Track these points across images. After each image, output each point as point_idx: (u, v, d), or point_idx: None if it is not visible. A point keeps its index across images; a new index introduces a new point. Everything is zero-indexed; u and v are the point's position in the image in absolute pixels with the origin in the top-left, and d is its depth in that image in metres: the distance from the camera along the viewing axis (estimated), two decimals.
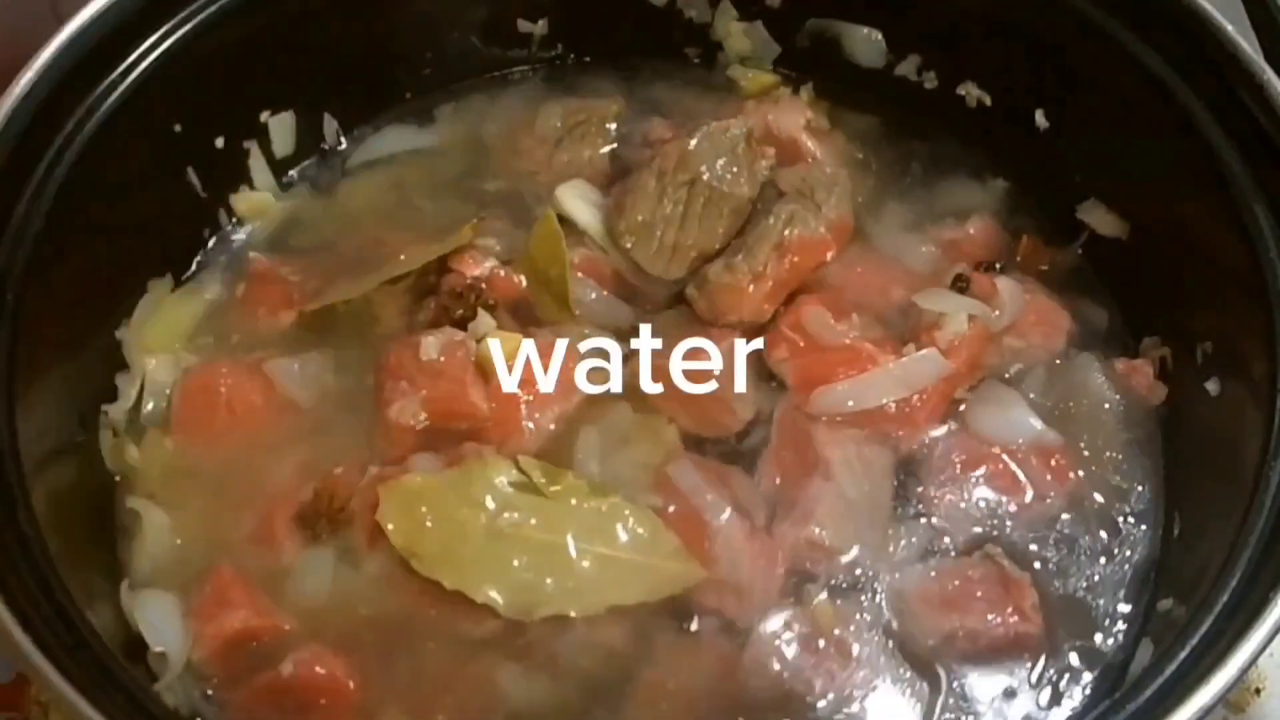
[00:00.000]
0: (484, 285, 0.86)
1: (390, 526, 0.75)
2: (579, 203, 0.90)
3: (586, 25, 1.02)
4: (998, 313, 0.83)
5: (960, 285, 0.85)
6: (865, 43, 0.98)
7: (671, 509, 0.77)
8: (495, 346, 0.81)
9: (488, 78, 1.02)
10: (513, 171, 0.95)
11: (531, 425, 0.80)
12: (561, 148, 0.95)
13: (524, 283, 0.87)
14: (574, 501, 0.76)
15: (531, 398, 0.81)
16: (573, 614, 0.74)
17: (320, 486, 0.78)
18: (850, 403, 0.80)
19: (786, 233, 0.85)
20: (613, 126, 0.96)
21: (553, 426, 0.81)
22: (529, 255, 0.88)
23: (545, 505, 0.76)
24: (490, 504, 0.75)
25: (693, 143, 0.88)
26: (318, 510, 0.77)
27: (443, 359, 0.81)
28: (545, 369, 0.81)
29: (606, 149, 0.96)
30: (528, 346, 0.82)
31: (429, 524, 0.75)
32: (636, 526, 0.76)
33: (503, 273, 0.87)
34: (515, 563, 0.74)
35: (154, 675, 0.71)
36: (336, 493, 0.78)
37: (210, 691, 0.73)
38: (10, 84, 0.73)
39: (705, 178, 0.87)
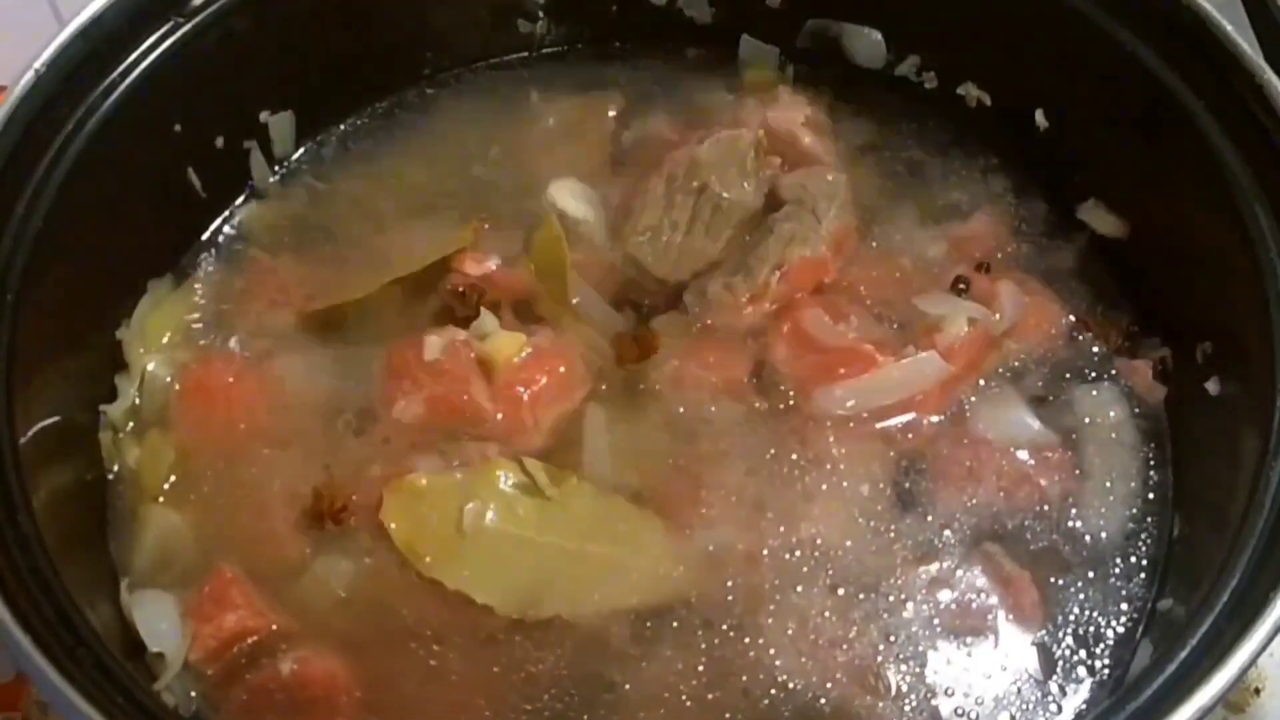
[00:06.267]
0: (486, 285, 0.86)
1: (393, 525, 0.75)
2: (571, 200, 0.90)
3: (586, 23, 1.02)
4: (998, 315, 0.83)
5: (960, 287, 0.85)
6: (865, 43, 0.98)
7: (673, 509, 0.77)
8: (498, 346, 0.81)
9: (488, 75, 1.02)
10: (513, 168, 0.95)
11: (535, 424, 0.80)
12: (561, 144, 0.95)
13: (526, 281, 0.87)
14: (576, 503, 0.76)
15: (535, 396, 0.80)
16: (572, 615, 0.74)
17: (320, 486, 0.78)
18: (850, 403, 0.81)
19: (787, 254, 0.85)
20: (613, 123, 0.96)
21: (556, 424, 0.81)
22: (531, 256, 0.88)
23: (548, 507, 0.76)
24: (493, 505, 0.75)
25: (702, 150, 0.88)
26: (318, 510, 0.77)
27: (445, 359, 0.81)
28: (548, 367, 0.81)
29: (607, 145, 0.96)
30: (530, 346, 0.82)
31: (431, 524, 0.75)
32: (637, 529, 0.76)
33: (505, 272, 0.87)
34: (515, 564, 0.74)
35: (153, 675, 0.71)
36: (336, 492, 0.78)
37: (209, 691, 0.73)
38: (10, 84, 0.73)
39: (714, 187, 0.87)
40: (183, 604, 0.74)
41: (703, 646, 0.73)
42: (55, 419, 0.76)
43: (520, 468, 0.77)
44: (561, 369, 0.82)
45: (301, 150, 0.97)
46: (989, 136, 0.95)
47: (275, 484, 0.80)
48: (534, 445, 0.80)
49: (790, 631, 0.73)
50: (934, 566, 0.76)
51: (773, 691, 0.72)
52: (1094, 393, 0.83)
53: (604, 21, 1.01)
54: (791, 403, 0.82)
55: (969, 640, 0.74)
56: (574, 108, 0.97)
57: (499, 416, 0.80)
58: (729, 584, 0.75)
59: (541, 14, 1.01)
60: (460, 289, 0.85)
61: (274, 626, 0.74)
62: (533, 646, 0.73)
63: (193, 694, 0.72)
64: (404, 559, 0.75)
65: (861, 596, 0.75)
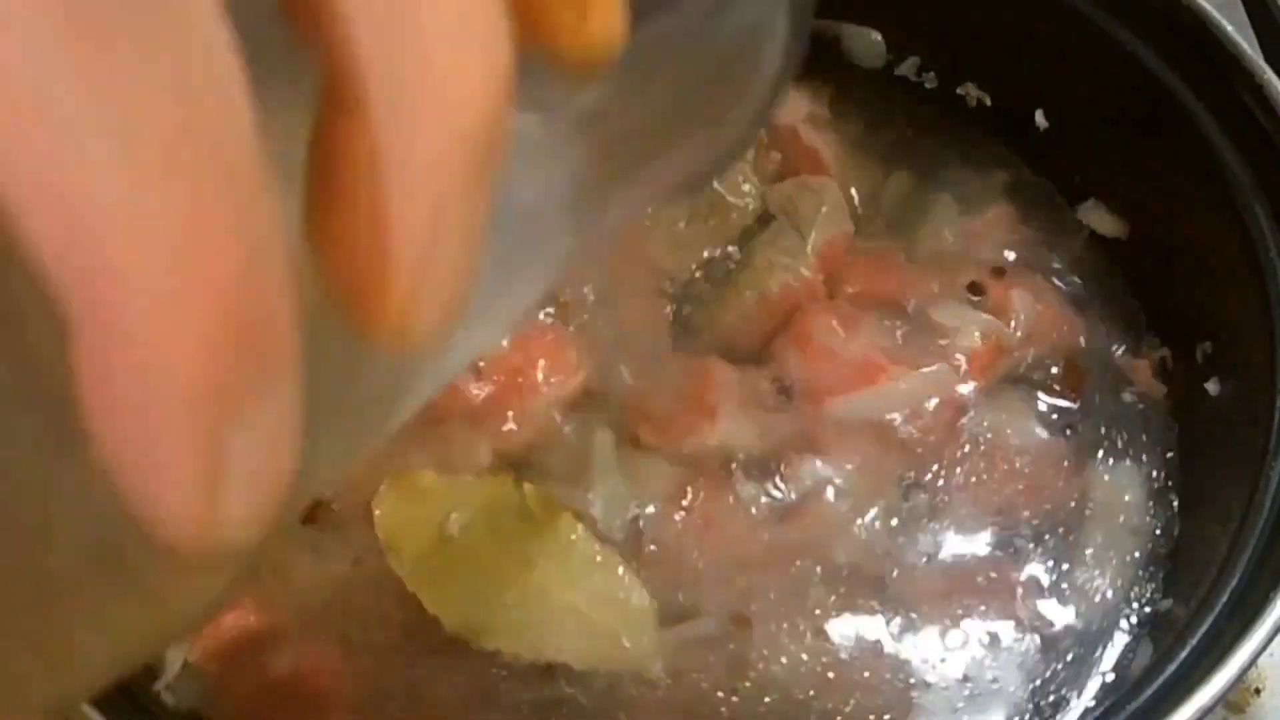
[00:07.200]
0: None
1: (378, 512, 0.74)
2: None
3: None
4: (1012, 324, 0.83)
5: (974, 293, 0.85)
6: (865, 43, 0.97)
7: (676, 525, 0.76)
8: None
9: None
10: None
11: (522, 414, 0.79)
12: None
13: None
14: (566, 540, 0.74)
15: (524, 386, 0.80)
16: (526, 654, 0.71)
17: None
18: (860, 412, 0.80)
19: (767, 286, 0.85)
20: None
21: (554, 415, 0.80)
22: None
23: (536, 540, 0.74)
24: (482, 520, 0.74)
25: None
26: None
27: None
28: (537, 355, 0.81)
29: None
30: (520, 334, 0.80)
31: (416, 522, 0.74)
32: (618, 589, 0.73)
33: None
34: (479, 585, 0.72)
35: (153, 675, 0.71)
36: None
37: (208, 690, 0.72)
38: None
39: (714, 184, 0.87)
40: None
41: (710, 647, 0.73)
42: None
43: (519, 489, 0.75)
44: (550, 360, 0.81)
45: None
46: (989, 136, 0.94)
47: None
48: (522, 437, 0.79)
49: (789, 633, 0.73)
50: (938, 569, 0.76)
51: (771, 694, 0.72)
52: (1097, 395, 0.83)
53: None
54: (801, 408, 0.81)
55: (975, 644, 0.74)
56: None
57: (487, 405, 0.79)
58: (730, 587, 0.74)
59: None
60: None
61: (273, 624, 0.74)
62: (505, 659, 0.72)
63: (193, 693, 0.72)
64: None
65: (866, 601, 0.75)
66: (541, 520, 0.74)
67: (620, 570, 0.74)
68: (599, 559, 0.74)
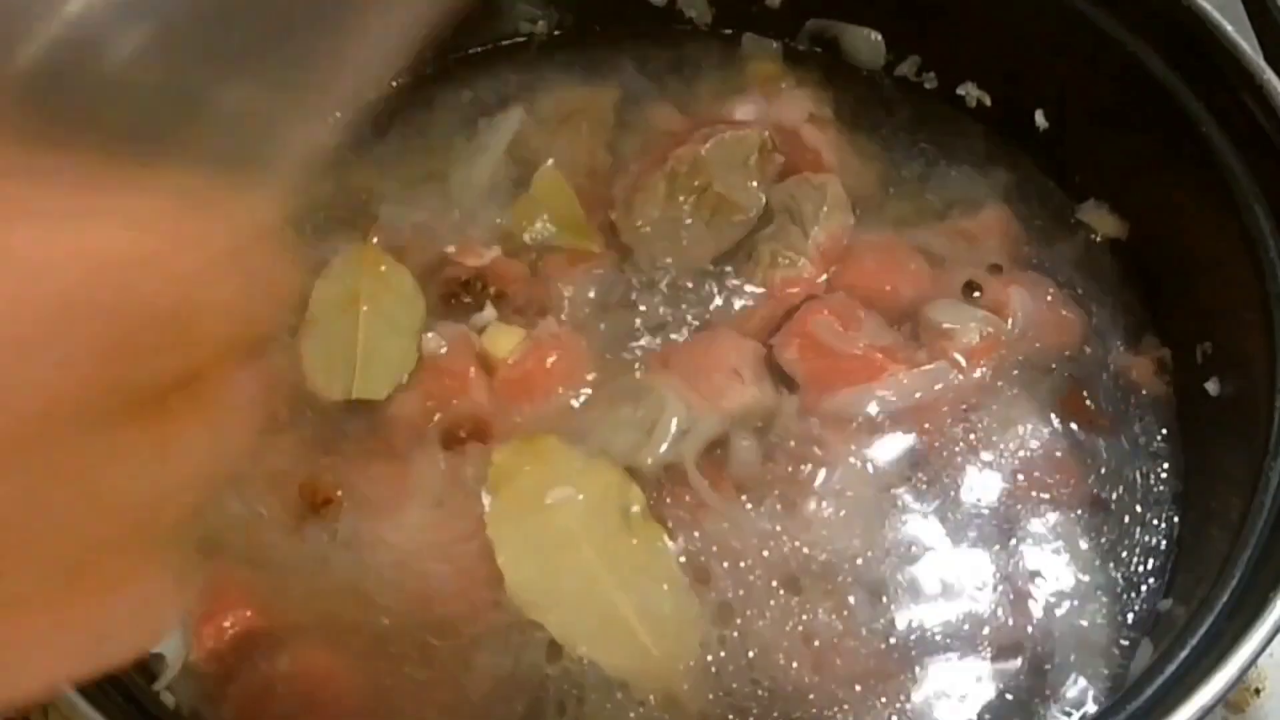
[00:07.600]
0: (485, 275, 0.85)
1: (497, 459, 0.76)
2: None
3: (588, 16, 1.01)
4: (1010, 321, 0.83)
5: (972, 291, 0.85)
6: (865, 43, 0.98)
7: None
8: (496, 341, 0.81)
9: (484, 63, 1.02)
10: (509, 160, 0.95)
11: (532, 419, 0.80)
12: (558, 134, 0.95)
13: (526, 271, 0.86)
14: (649, 552, 0.74)
15: (533, 391, 0.80)
16: (561, 640, 0.72)
17: (307, 479, 0.78)
18: (860, 408, 0.80)
19: (769, 276, 0.85)
20: (611, 113, 0.96)
21: (554, 418, 0.80)
22: (530, 199, 0.88)
23: (621, 536, 0.74)
24: (584, 501, 0.74)
25: (706, 149, 0.88)
26: (307, 503, 0.77)
27: (445, 353, 0.80)
28: (548, 361, 0.81)
29: (605, 136, 0.95)
30: (530, 338, 0.81)
31: (523, 477, 0.75)
32: (677, 613, 0.73)
33: (504, 262, 0.86)
34: (552, 559, 0.73)
35: (153, 675, 0.71)
36: (318, 488, 0.77)
37: (209, 690, 0.72)
38: None
39: (716, 186, 0.87)
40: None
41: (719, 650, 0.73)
42: None
43: (628, 488, 0.75)
44: (558, 360, 0.81)
45: None
46: (989, 136, 0.95)
47: (272, 480, 0.79)
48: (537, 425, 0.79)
49: (788, 633, 0.73)
50: (938, 568, 0.76)
51: (766, 694, 0.72)
52: (1099, 395, 0.83)
53: (605, 15, 1.01)
54: (800, 405, 0.81)
55: (970, 641, 0.74)
56: (572, 97, 0.97)
57: (497, 412, 0.80)
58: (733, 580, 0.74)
59: (544, 10, 1.00)
60: (459, 281, 0.84)
61: (273, 624, 0.74)
62: (537, 650, 0.73)
63: (194, 693, 0.72)
64: (403, 558, 0.75)
65: (863, 599, 0.75)
66: (635, 525, 0.74)
67: (688, 596, 0.73)
68: (673, 579, 0.73)
